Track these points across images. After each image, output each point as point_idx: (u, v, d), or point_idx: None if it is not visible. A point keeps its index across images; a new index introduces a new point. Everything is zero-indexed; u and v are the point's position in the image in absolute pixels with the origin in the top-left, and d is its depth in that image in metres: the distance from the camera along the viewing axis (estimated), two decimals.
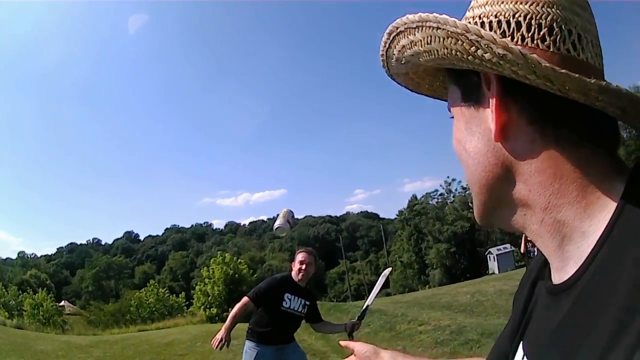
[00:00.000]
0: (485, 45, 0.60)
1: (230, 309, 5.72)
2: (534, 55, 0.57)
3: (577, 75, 0.58)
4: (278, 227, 4.93)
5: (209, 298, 27.92)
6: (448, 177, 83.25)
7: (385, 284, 6.23)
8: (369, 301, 5.57)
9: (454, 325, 9.28)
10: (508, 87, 0.64)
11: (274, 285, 5.46)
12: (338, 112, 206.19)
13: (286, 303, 5.31)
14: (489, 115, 0.67)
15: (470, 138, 0.71)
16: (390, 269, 5.92)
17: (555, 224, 0.64)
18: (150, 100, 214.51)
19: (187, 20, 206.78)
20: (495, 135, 0.65)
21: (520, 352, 0.76)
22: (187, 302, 35.73)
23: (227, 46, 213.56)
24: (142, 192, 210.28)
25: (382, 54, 0.79)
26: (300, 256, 5.50)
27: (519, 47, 0.58)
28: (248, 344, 5.38)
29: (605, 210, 0.60)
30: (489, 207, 0.73)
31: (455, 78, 0.74)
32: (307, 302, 5.45)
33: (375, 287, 5.77)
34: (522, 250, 11.03)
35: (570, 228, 0.63)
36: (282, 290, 5.36)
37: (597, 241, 0.59)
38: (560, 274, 0.66)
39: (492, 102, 0.65)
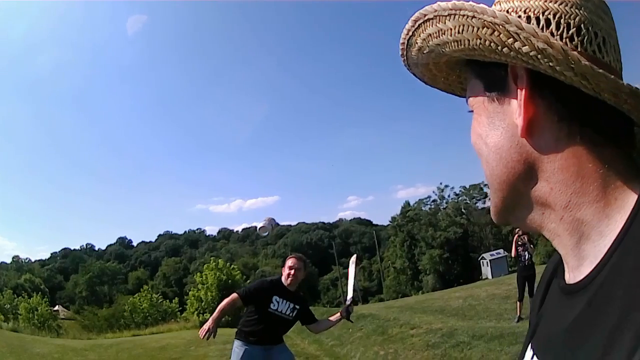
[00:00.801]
0: (524, 38, 0.59)
1: None
2: (575, 53, 0.57)
3: (612, 76, 0.57)
4: (262, 227, 5.20)
5: (202, 303, 27.90)
6: (441, 183, 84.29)
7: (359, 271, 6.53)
8: (350, 285, 5.86)
9: (446, 329, 9.37)
10: (536, 82, 0.64)
11: (263, 286, 5.67)
12: (332, 118, 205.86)
13: (274, 305, 5.47)
14: (514, 111, 0.67)
15: (492, 133, 0.70)
16: (355, 255, 6.12)
17: (574, 222, 0.64)
18: (143, 106, 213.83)
19: (180, 27, 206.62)
20: (521, 131, 0.65)
21: (529, 351, 0.78)
22: (180, 308, 35.78)
23: (219, 53, 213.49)
24: (136, 198, 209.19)
25: (403, 42, 0.78)
26: (290, 262, 5.69)
27: (561, 43, 0.58)
28: (236, 342, 5.57)
29: (622, 211, 0.60)
30: (508, 205, 0.73)
31: (478, 71, 0.73)
32: (297, 307, 5.60)
33: (349, 274, 5.95)
34: (513, 254, 11.19)
35: (588, 227, 0.62)
36: (271, 292, 5.53)
37: (614, 241, 0.58)
38: (575, 273, 0.66)
39: (521, 96, 0.65)
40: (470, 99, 0.76)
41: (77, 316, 48.44)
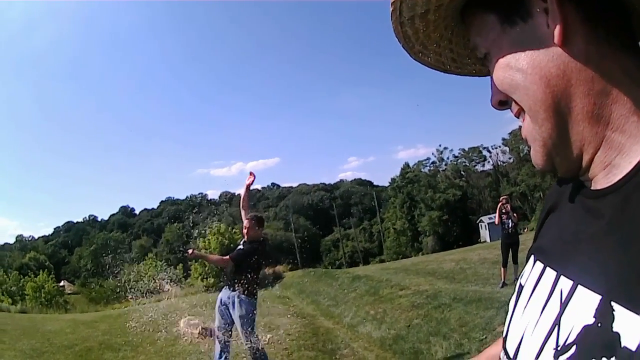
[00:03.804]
0: None
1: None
2: None
3: None
4: None
5: (206, 268, 28.25)
6: (440, 145, 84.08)
7: None
8: None
9: (431, 290, 9.86)
10: None
11: None
12: (332, 79, 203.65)
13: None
14: (542, 23, 0.63)
15: (524, 54, 0.65)
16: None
17: (616, 137, 0.61)
18: (138, 72, 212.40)
19: None
20: (558, 37, 0.61)
21: (537, 265, 0.75)
22: (185, 274, 36.34)
23: (214, 17, 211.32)
24: (137, 166, 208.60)
25: None
26: (245, 222, 6.57)
27: None
28: None
29: None
30: (555, 139, 0.66)
31: (488, 5, 0.69)
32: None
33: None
34: (496, 222, 11.64)
35: (626, 143, 0.60)
36: None
37: None
38: (604, 184, 0.63)
39: (552, 1, 0.61)
40: (483, 38, 0.72)
41: (83, 290, 48.98)
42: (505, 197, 12.16)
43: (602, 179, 0.63)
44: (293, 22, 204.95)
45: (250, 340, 6.18)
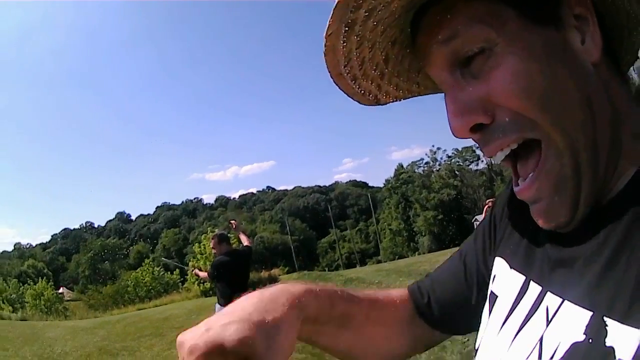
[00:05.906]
0: None
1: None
2: None
3: None
4: None
5: None
6: (433, 145, 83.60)
7: None
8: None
9: None
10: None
11: None
12: (326, 81, 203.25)
13: None
14: (576, 38, 0.57)
15: (562, 64, 0.56)
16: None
17: (622, 164, 0.58)
18: (136, 79, 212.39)
19: None
20: (597, 56, 0.57)
21: (513, 278, 0.69)
22: (181, 279, 36.20)
23: (211, 21, 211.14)
24: (132, 172, 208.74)
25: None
26: (211, 241, 7.30)
27: None
28: None
29: None
30: (591, 176, 0.57)
31: None
32: None
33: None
34: None
35: (628, 170, 0.57)
36: None
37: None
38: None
39: (591, 17, 0.57)
40: (493, 28, 0.57)
41: (82, 296, 48.94)
42: (492, 199, 12.33)
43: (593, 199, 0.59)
44: (286, 19, 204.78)
45: None
